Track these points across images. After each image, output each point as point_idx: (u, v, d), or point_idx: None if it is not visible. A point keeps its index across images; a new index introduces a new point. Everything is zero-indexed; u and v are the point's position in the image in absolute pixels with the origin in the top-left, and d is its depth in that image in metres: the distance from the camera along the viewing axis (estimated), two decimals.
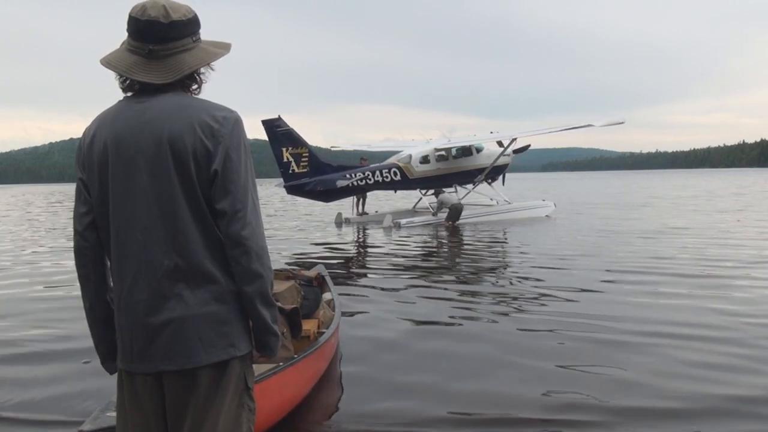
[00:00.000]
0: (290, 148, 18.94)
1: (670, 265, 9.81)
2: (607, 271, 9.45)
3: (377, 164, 20.75)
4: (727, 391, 4.37)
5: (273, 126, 18.93)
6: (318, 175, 19.14)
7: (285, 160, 18.94)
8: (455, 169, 20.70)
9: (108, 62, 1.88)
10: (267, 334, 1.93)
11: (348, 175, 19.45)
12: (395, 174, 19.90)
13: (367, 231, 17.77)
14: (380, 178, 19.81)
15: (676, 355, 5.21)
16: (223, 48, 1.98)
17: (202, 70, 1.94)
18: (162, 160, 1.80)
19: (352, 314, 6.90)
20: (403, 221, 18.39)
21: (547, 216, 20.23)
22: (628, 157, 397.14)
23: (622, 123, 18.68)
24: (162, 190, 1.81)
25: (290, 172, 19.07)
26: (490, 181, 21.39)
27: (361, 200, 21.83)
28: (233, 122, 1.86)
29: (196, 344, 1.81)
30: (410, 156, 20.33)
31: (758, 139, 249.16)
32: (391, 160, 20.89)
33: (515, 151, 21.66)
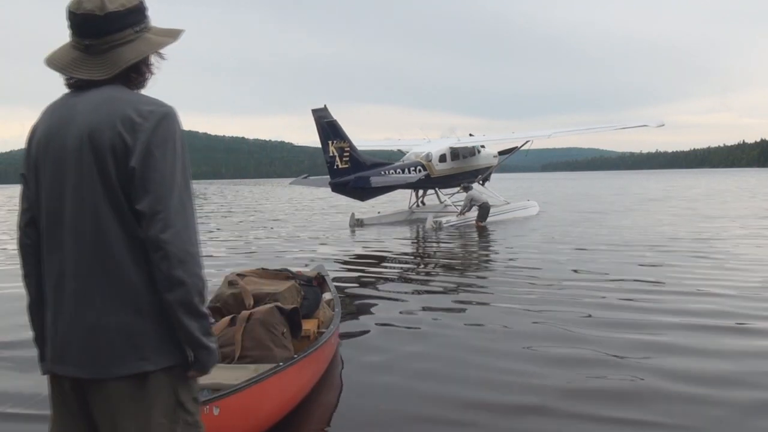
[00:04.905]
0: (335, 141, 18.11)
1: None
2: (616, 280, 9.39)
3: (401, 162, 20.19)
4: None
5: (320, 116, 18.16)
6: (357, 171, 18.27)
7: (331, 154, 18.10)
8: (466, 168, 20.76)
9: (49, 61, 1.82)
10: (195, 347, 1.79)
11: (383, 172, 18.79)
12: (419, 171, 19.41)
13: (379, 232, 17.38)
14: (408, 177, 19.20)
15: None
16: (170, 36, 1.87)
17: (152, 60, 1.86)
18: (83, 156, 1.72)
19: (352, 314, 6.90)
20: (443, 221, 17.85)
21: (537, 214, 20.79)
22: (628, 157, 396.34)
23: (663, 125, 19.63)
24: (84, 188, 1.73)
25: (335, 167, 18.15)
26: (481, 182, 21.49)
27: (422, 193, 21.65)
28: (160, 117, 1.74)
29: (104, 355, 1.72)
30: (430, 154, 20.00)
31: (758, 139, 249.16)
32: (405, 159, 20.57)
33: (501, 153, 22.14)
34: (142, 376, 1.74)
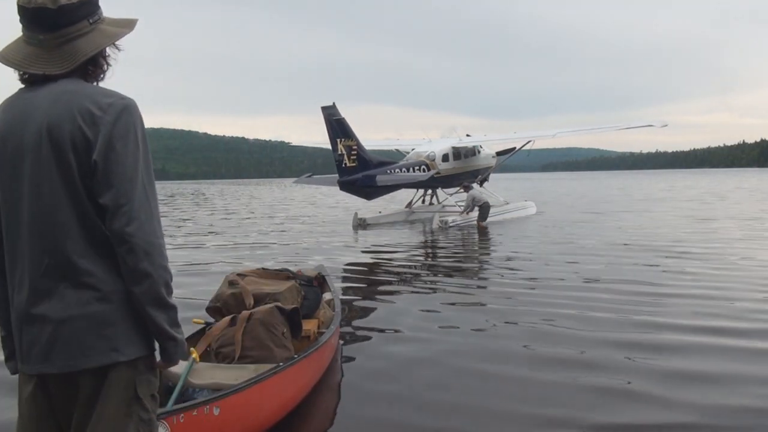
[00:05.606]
0: (343, 140, 18.06)
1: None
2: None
3: (405, 161, 20.14)
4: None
5: (329, 113, 18.13)
6: (364, 170, 18.19)
7: (339, 152, 18.03)
8: (467, 168, 20.86)
9: (2, 57, 1.78)
10: (162, 338, 1.80)
11: (388, 171, 18.72)
12: (424, 171, 19.35)
13: (382, 232, 17.22)
14: (417, 175, 19.14)
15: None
16: (126, 26, 1.85)
17: (107, 51, 1.84)
18: (42, 151, 1.70)
19: (354, 317, 6.89)
20: (449, 219, 17.85)
21: (535, 214, 21.07)
22: (628, 157, 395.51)
23: (666, 126, 20.00)
24: (43, 183, 1.71)
25: (343, 166, 18.10)
26: (479, 182, 21.55)
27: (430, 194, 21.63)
28: (120, 109, 1.72)
29: (73, 347, 1.71)
30: (433, 153, 20.01)
31: (758, 139, 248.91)
32: (408, 158, 20.57)
33: (499, 153, 22.34)
34: (107, 368, 1.74)
